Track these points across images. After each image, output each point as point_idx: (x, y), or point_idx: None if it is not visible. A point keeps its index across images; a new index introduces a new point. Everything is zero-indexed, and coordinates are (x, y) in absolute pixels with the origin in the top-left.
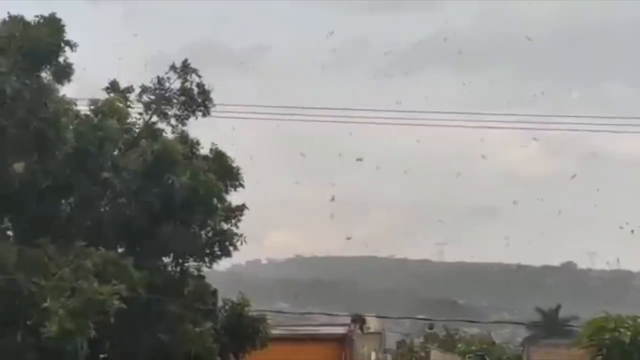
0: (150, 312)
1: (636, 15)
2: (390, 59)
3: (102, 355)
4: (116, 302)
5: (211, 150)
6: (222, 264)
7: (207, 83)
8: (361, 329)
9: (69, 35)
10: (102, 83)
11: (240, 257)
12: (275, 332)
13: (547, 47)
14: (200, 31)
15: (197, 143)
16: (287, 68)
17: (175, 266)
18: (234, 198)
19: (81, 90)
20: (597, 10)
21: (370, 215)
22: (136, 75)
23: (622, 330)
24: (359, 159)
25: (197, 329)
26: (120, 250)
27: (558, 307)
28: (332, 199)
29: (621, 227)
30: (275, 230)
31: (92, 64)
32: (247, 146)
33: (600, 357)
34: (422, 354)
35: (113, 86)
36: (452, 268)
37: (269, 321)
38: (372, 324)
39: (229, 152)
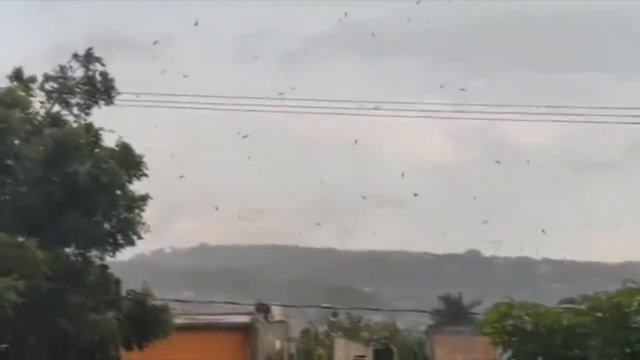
0: (52, 302)
1: (542, 4)
2: (300, 47)
3: (3, 345)
4: (13, 296)
5: (116, 141)
6: (126, 254)
7: (111, 72)
8: (266, 317)
9: None
10: (5, 72)
11: (144, 246)
12: (179, 321)
13: (455, 38)
14: (106, 21)
15: (100, 129)
16: (193, 57)
17: (78, 256)
18: (138, 187)
19: None
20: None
21: (275, 204)
22: (41, 64)
23: (524, 317)
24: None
25: (100, 317)
26: (21, 239)
27: (461, 295)
28: (239, 189)
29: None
30: (180, 220)
31: None
32: (152, 136)
33: (502, 343)
34: (327, 342)
35: (16, 75)
36: (357, 257)
37: (172, 310)
38: (277, 312)
39: (134, 142)
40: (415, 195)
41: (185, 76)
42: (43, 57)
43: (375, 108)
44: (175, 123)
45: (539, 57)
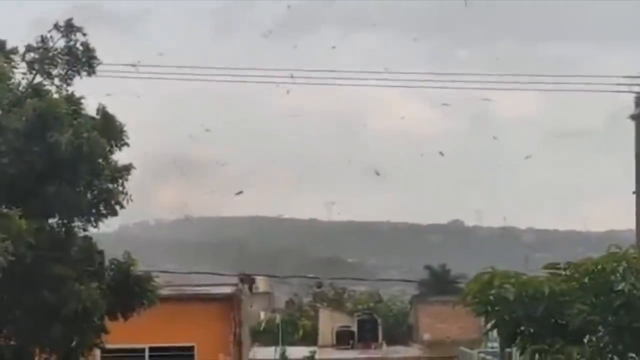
0: (35, 272)
1: None
2: (277, 20)
3: None
4: (2, 259)
5: (97, 110)
6: (110, 226)
7: (93, 43)
8: (250, 289)
9: None
10: None
11: (127, 218)
12: (162, 292)
13: (437, 8)
14: None
15: (82, 98)
16: (171, 29)
17: (61, 227)
18: (121, 157)
19: None
20: None
21: (258, 174)
22: (22, 36)
23: (507, 286)
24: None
25: (83, 287)
26: (4, 210)
27: (445, 265)
28: (223, 161)
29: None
30: (163, 191)
31: None
32: (135, 107)
33: (485, 313)
34: (311, 312)
35: None
36: (340, 227)
37: (156, 280)
38: (261, 284)
39: (117, 112)
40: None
41: (161, 54)
42: (25, 28)
43: (360, 79)
44: (157, 95)
45: (520, 28)
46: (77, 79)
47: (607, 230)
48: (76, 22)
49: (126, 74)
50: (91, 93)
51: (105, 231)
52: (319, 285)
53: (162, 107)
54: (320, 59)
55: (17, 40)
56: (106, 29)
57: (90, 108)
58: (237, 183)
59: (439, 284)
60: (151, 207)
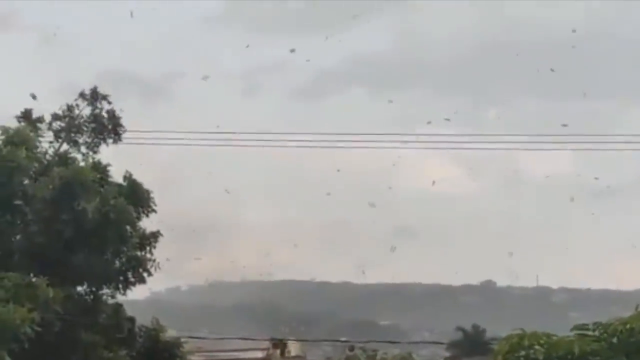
0: (64, 340)
1: (546, 32)
2: (308, 82)
3: None
4: (29, 330)
5: (124, 177)
6: (142, 292)
7: (118, 109)
8: (282, 353)
9: None
10: (13, 112)
11: (159, 284)
12: (194, 358)
13: (461, 67)
14: (113, 60)
15: (108, 165)
16: (202, 93)
17: (89, 294)
18: (150, 225)
19: None
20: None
21: (290, 238)
22: (49, 103)
23: (536, 347)
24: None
25: (112, 354)
26: (32, 279)
27: (479, 326)
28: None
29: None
30: (195, 256)
31: (4, 94)
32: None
33: None
34: None
35: (25, 115)
36: (372, 289)
37: (186, 346)
38: (293, 348)
39: (143, 178)
40: (433, 223)
41: (184, 122)
42: (51, 95)
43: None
44: (184, 158)
45: (547, 85)
46: (103, 146)
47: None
48: (102, 87)
49: (153, 141)
50: (117, 158)
51: (137, 297)
52: (352, 349)
53: (190, 169)
54: (349, 119)
55: (43, 107)
56: (132, 93)
57: (117, 174)
58: (267, 246)
59: (471, 346)
60: (183, 273)
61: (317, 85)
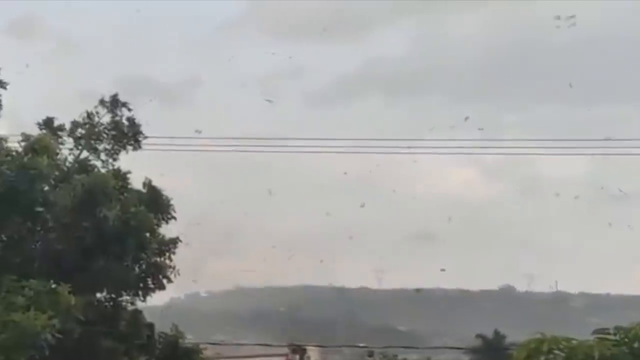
0: (85, 347)
1: (567, 36)
2: (324, 88)
3: None
4: (50, 337)
5: (144, 184)
6: (161, 298)
7: (138, 117)
8: (301, 359)
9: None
10: (34, 119)
11: (178, 290)
12: None
13: (479, 71)
14: (131, 66)
15: (128, 173)
16: (220, 99)
17: (109, 301)
18: (169, 231)
19: (13, 127)
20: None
21: (307, 243)
22: (68, 111)
23: (556, 352)
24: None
25: None
26: (53, 286)
27: (499, 332)
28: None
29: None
30: (214, 262)
31: (24, 101)
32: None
33: None
34: None
35: (47, 123)
36: (391, 295)
37: (205, 352)
38: (312, 353)
39: (164, 184)
40: (452, 227)
41: (198, 131)
42: (72, 102)
43: (407, 147)
44: (203, 165)
45: (565, 90)
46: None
47: None
48: (122, 95)
49: (173, 147)
50: (138, 163)
51: (156, 303)
52: (371, 354)
53: (210, 176)
54: (367, 124)
55: (63, 113)
56: (153, 97)
57: (137, 181)
58: (286, 252)
59: (490, 351)
60: (202, 279)
61: (334, 90)
